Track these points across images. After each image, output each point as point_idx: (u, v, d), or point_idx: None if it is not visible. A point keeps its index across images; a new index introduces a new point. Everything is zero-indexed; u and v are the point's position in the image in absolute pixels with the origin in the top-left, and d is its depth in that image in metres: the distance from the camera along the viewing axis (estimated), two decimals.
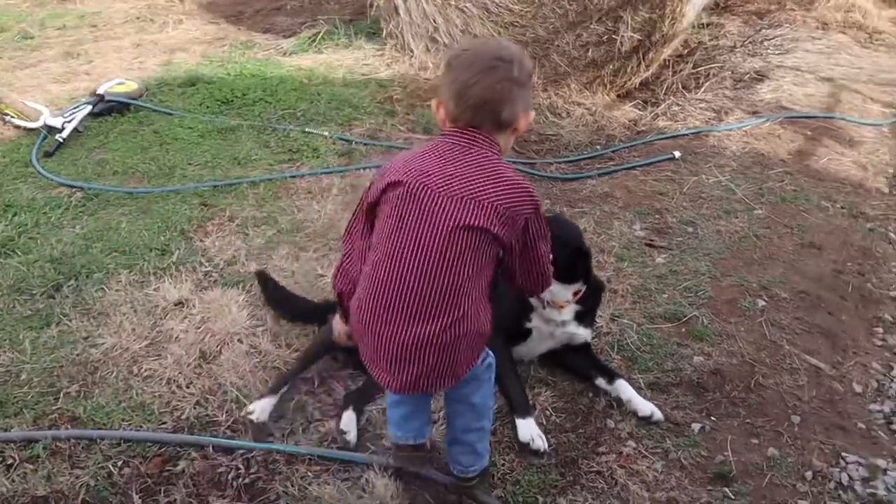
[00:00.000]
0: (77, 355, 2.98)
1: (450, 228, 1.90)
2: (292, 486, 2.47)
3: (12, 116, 4.61)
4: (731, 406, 2.83)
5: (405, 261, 1.93)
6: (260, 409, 2.68)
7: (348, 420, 2.67)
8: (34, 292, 3.31)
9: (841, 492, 2.50)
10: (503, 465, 2.56)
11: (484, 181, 1.94)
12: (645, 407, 2.74)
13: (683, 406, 2.82)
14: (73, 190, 4.10)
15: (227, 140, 4.69)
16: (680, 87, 5.26)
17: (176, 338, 3.08)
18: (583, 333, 2.99)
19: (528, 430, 2.63)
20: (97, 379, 2.88)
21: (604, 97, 5.20)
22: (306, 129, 4.73)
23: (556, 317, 2.90)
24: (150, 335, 3.10)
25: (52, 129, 4.56)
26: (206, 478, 2.51)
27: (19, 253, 3.55)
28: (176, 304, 3.26)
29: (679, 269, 3.55)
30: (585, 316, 3.05)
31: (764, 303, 3.33)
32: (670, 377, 2.94)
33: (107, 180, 4.24)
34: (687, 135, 4.78)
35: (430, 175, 1.94)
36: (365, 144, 4.64)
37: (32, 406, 2.75)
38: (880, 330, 3.32)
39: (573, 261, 2.82)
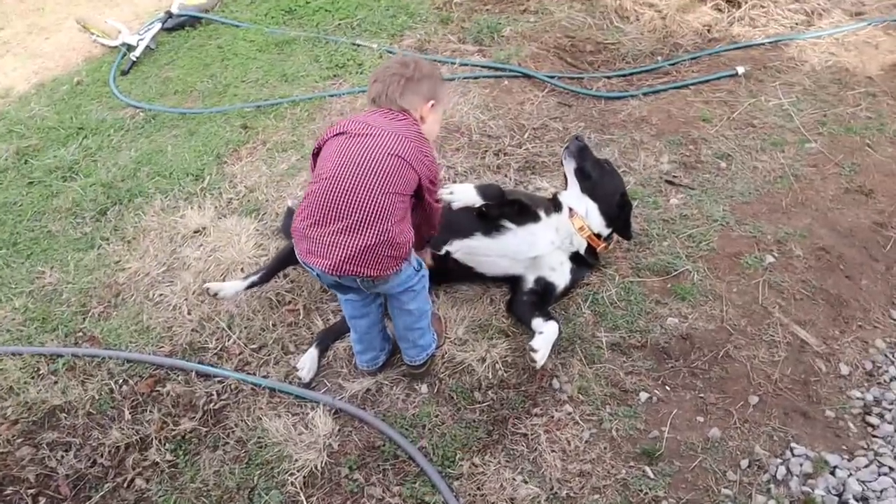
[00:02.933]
0: (108, 278, 3.40)
1: (385, 153, 2.36)
2: (249, 416, 2.76)
3: (97, 35, 5.01)
4: (691, 377, 2.70)
5: (346, 177, 2.35)
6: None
7: (307, 358, 2.88)
8: (86, 216, 3.76)
9: (773, 486, 2.36)
10: (437, 416, 2.68)
11: (406, 133, 2.44)
12: (537, 345, 2.66)
13: (639, 372, 2.73)
14: (137, 110, 4.47)
15: (282, 54, 4.81)
16: None
17: (188, 266, 3.40)
18: (562, 279, 2.95)
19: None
20: (118, 301, 3.29)
21: None
22: (356, 42, 4.71)
23: (566, 232, 2.93)
24: (168, 261, 3.45)
25: (130, 47, 4.92)
26: (184, 401, 2.86)
27: (81, 176, 4.01)
28: (195, 232, 3.57)
29: (691, 213, 3.28)
30: (581, 265, 3.00)
31: (772, 259, 3.02)
32: (636, 339, 2.83)
33: (168, 99, 4.57)
34: (763, 44, 4.18)
35: (369, 123, 2.45)
36: None
37: (66, 323, 3.22)
38: None
39: (621, 204, 3.00)
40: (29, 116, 4.57)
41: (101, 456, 2.69)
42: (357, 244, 2.33)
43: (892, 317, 2.84)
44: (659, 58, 4.33)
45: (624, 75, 4.24)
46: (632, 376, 2.72)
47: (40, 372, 3.01)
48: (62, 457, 2.70)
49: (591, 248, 3.01)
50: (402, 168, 2.36)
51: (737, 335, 2.78)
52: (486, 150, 3.81)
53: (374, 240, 2.33)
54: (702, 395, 2.63)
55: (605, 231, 3.01)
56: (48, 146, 4.29)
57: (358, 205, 2.32)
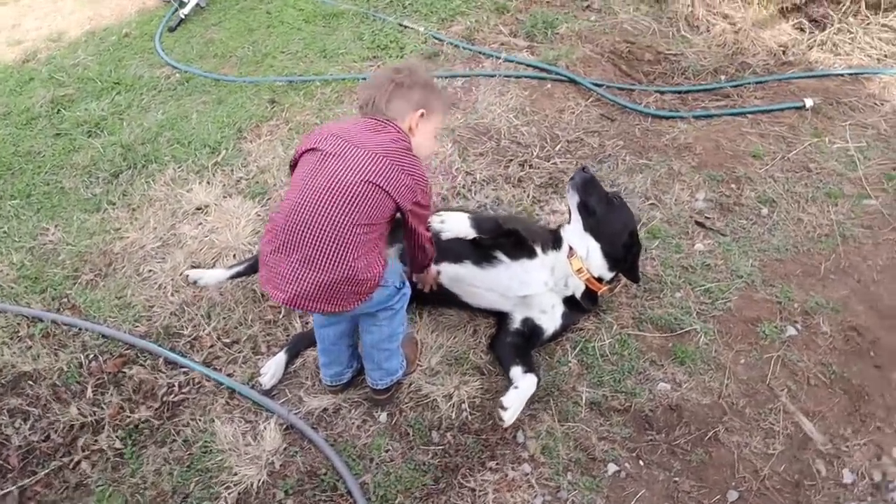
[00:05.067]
0: (105, 245, 3.36)
1: (356, 180, 2.14)
2: (203, 416, 2.66)
3: None
4: (669, 455, 2.41)
5: (309, 206, 2.15)
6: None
7: (273, 363, 2.75)
8: (99, 176, 3.73)
9: None
10: (388, 451, 2.50)
11: (388, 150, 2.20)
12: (508, 402, 2.42)
13: (614, 438, 2.46)
14: (174, 71, 4.40)
15: (327, 27, 4.63)
16: (866, 4, 3.95)
17: (183, 244, 3.32)
18: (552, 323, 2.69)
19: None
20: (109, 271, 3.25)
21: (759, 10, 4.11)
22: (403, 23, 4.48)
23: (562, 273, 2.66)
24: (165, 236, 3.38)
25: (181, 3, 4.85)
26: (146, 388, 2.79)
27: (105, 133, 3.99)
28: (197, 209, 3.48)
29: (715, 263, 2.93)
30: (575, 310, 2.73)
31: (794, 332, 2.66)
32: (619, 400, 2.56)
33: (207, 62, 4.48)
34: (842, 75, 3.69)
35: (346, 139, 2.21)
36: (455, 46, 4.29)
37: (56, 286, 3.19)
38: None
39: (628, 245, 2.70)
40: (73, 64, 4.59)
41: (56, 432, 2.66)
42: (315, 280, 2.15)
43: None
44: (722, 77, 3.90)
45: (679, 92, 3.84)
46: (604, 442, 2.45)
47: (19, 334, 3.00)
48: (19, 426, 2.69)
49: (589, 291, 2.73)
50: (375, 196, 2.14)
51: (731, 416, 2.46)
52: (512, 159, 3.54)
53: (332, 276, 2.14)
54: (676, 478, 2.34)
55: (608, 274, 2.71)
56: (82, 97, 4.29)
57: (317, 238, 2.13)
